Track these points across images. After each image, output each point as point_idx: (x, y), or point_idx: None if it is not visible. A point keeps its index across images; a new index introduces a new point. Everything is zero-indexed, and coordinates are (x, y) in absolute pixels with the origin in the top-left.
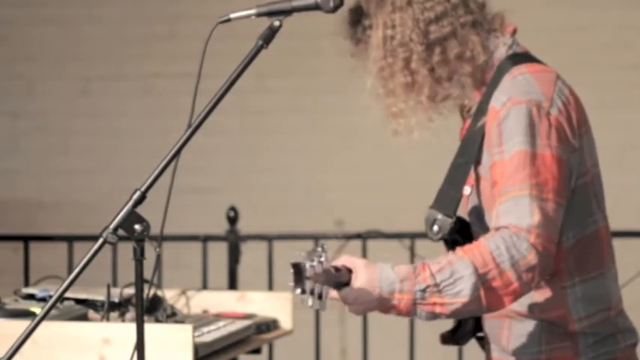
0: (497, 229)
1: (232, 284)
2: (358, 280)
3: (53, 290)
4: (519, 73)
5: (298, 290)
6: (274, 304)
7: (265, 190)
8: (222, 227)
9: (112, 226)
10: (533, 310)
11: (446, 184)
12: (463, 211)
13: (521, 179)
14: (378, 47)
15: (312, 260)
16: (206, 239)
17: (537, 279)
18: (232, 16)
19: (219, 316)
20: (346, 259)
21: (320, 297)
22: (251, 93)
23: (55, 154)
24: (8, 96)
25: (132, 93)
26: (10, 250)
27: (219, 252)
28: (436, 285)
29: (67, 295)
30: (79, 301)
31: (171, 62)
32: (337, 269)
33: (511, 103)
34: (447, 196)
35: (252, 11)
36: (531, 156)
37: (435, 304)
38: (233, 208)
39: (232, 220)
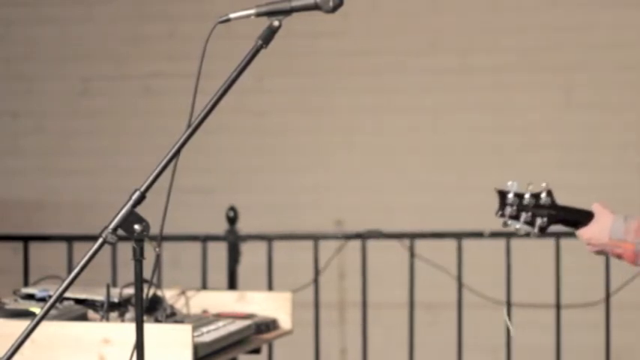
0: None
1: (232, 284)
2: (594, 225)
3: (53, 290)
4: None
5: (500, 214)
6: (274, 304)
7: (265, 190)
8: (221, 227)
9: (111, 226)
10: None
11: None
12: None
13: None
14: None
15: (521, 192)
16: (206, 239)
17: None
18: (232, 16)
19: (218, 316)
20: (597, 206)
21: (530, 224)
22: (251, 93)
23: (55, 154)
24: (8, 96)
25: (132, 93)
26: (9, 250)
27: (218, 252)
28: None
29: (67, 295)
30: (78, 301)
31: (171, 62)
32: (577, 210)
33: None
34: None
35: (252, 11)
36: None
37: None
38: (233, 208)
39: (232, 220)
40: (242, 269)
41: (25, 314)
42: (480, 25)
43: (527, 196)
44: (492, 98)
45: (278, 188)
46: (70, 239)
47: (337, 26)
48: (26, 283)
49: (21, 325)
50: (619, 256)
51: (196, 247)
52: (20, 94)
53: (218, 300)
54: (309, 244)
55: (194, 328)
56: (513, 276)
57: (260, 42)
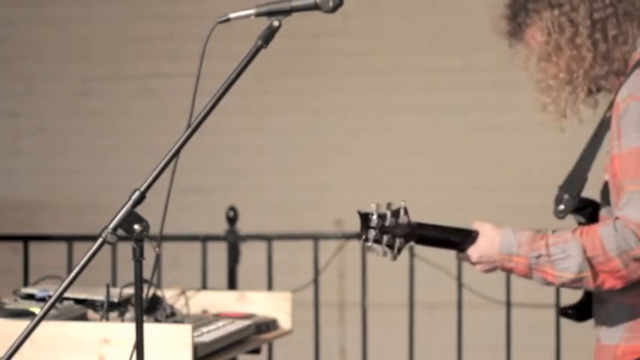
0: (615, 218)
1: (232, 284)
2: (481, 241)
3: (53, 290)
4: None
5: (363, 238)
6: (274, 304)
7: (265, 190)
8: (221, 227)
9: (111, 226)
10: (627, 295)
11: (575, 168)
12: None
13: (635, 175)
14: (545, 26)
15: (383, 212)
16: (206, 239)
17: None
18: (232, 16)
19: (218, 316)
20: (477, 223)
21: (391, 247)
22: (251, 93)
23: (55, 154)
24: (8, 96)
25: (132, 93)
26: (9, 250)
27: (218, 252)
28: (548, 256)
29: (67, 295)
30: (78, 301)
31: (171, 62)
32: (456, 230)
33: (630, 98)
34: (574, 179)
35: (252, 11)
36: None
37: (546, 272)
38: (232, 208)
39: (232, 220)
40: (242, 269)
41: (25, 314)
42: (480, 25)
43: (388, 215)
44: (492, 98)
45: (278, 188)
46: (70, 239)
47: (337, 26)
48: (26, 283)
49: (21, 325)
50: (510, 271)
51: (196, 247)
52: (20, 94)
53: (218, 300)
54: (309, 244)
55: (194, 328)
56: (513, 276)
57: (260, 42)
